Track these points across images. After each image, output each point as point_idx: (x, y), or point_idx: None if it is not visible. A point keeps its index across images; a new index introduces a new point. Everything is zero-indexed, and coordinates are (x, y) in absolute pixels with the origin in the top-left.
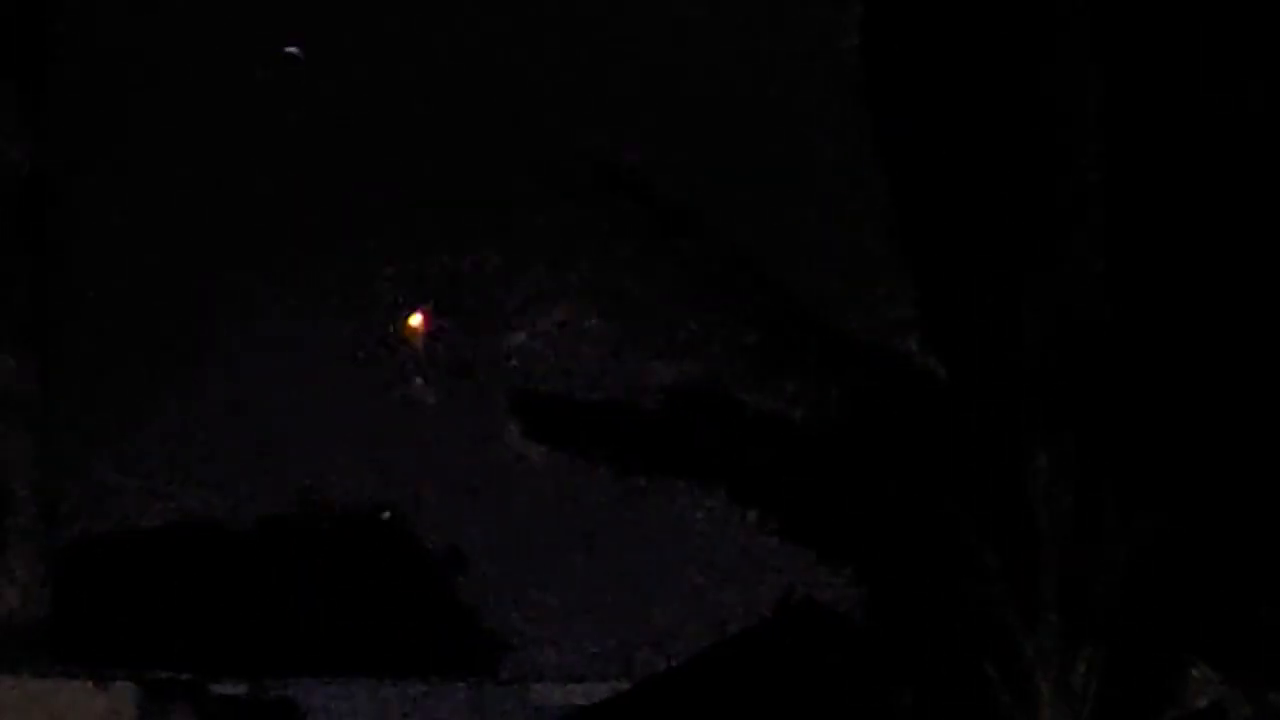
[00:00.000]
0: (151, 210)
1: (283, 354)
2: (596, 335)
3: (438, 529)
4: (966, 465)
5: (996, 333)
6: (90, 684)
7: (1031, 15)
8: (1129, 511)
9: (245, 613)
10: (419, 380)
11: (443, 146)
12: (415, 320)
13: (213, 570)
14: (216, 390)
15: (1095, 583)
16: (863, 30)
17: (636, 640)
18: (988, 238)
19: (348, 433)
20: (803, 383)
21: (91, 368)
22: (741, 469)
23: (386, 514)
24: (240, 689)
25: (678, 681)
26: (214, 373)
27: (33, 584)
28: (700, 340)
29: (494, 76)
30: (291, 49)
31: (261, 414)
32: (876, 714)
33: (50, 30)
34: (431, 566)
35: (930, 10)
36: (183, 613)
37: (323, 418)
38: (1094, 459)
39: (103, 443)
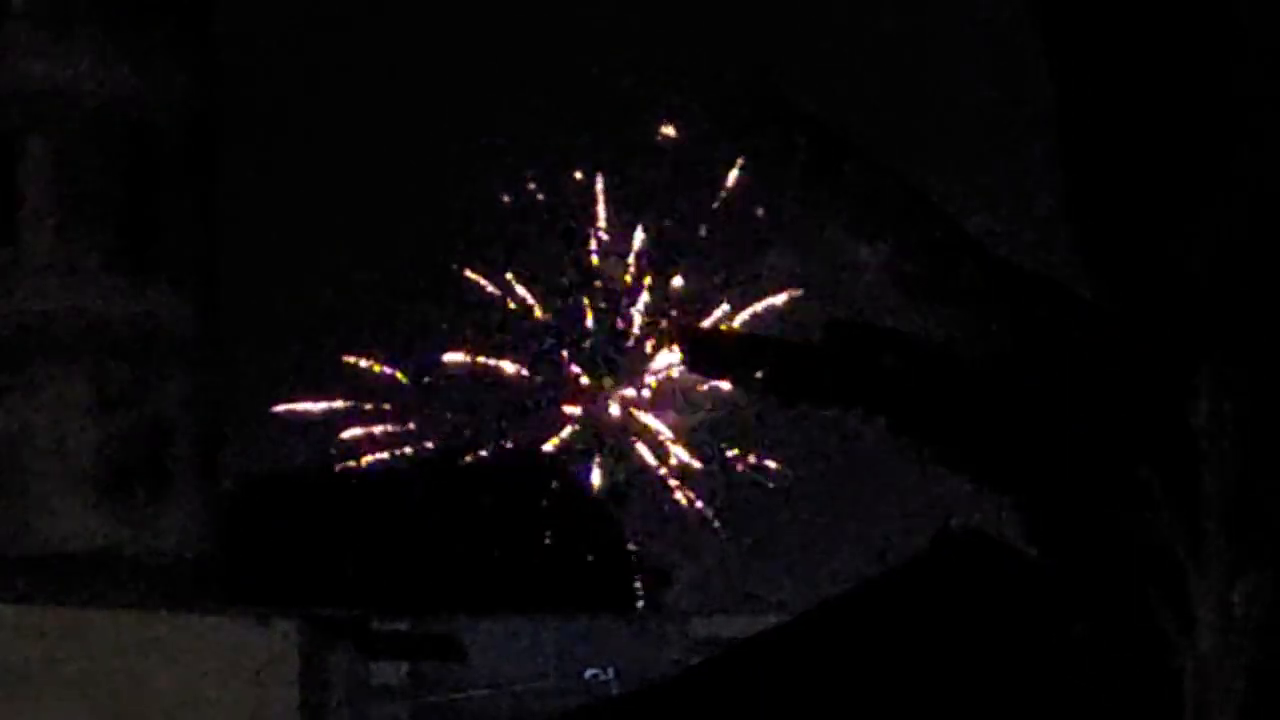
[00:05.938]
0: (323, 153)
1: (444, 304)
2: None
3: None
4: (1130, 393)
5: (1163, 258)
6: (255, 621)
7: None
8: None
9: (407, 551)
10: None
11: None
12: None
13: (376, 509)
14: (381, 335)
15: (1259, 509)
16: None
17: (795, 575)
18: (1156, 162)
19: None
20: (965, 311)
21: (254, 309)
22: (902, 399)
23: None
24: (403, 625)
25: (837, 613)
26: (376, 319)
27: (197, 523)
28: (860, 267)
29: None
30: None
31: (425, 357)
32: (1048, 643)
33: None
34: (593, 505)
35: None
36: (346, 551)
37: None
38: (1260, 386)
39: (265, 383)
